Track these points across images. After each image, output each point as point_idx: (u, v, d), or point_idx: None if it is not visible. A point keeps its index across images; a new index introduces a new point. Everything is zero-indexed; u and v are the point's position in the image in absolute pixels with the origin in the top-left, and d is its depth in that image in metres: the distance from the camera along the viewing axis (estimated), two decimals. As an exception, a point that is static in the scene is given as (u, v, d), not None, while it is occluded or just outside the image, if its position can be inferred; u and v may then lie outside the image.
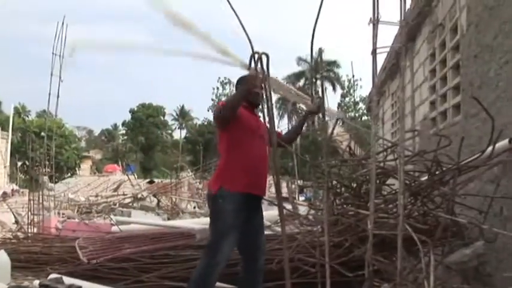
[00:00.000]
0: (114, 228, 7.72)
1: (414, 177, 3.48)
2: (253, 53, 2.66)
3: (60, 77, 8.49)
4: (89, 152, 63.08)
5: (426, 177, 3.48)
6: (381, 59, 10.64)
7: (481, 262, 3.20)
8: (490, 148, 3.43)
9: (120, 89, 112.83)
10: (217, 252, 3.97)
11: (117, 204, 12.16)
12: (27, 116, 46.42)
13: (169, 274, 5.46)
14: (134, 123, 67.73)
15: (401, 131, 2.44)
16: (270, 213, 7.35)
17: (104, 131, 75.05)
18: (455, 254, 3.17)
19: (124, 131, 72.10)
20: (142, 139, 66.19)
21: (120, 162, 51.63)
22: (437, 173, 3.36)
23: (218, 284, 4.69)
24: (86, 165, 51.46)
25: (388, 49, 2.58)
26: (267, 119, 2.76)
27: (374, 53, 2.42)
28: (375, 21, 2.44)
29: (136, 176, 28.91)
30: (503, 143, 3.46)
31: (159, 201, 12.65)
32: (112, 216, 8.59)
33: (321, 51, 49.98)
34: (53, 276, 5.54)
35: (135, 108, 68.39)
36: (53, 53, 8.68)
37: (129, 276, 5.61)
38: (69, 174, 38.93)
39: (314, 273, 3.15)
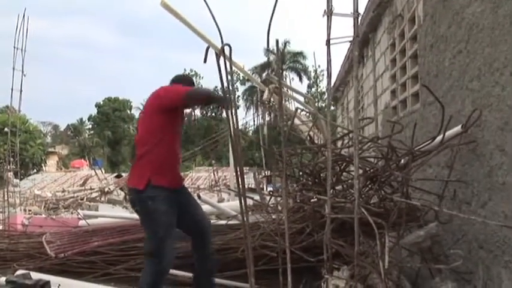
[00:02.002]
0: (82, 223, 7.71)
1: (370, 162, 3.61)
2: (208, 47, 2.71)
3: (22, 72, 8.35)
4: (55, 148, 62.02)
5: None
6: (344, 49, 10.82)
7: (435, 242, 3.35)
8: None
9: (86, 83, 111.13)
10: (163, 258, 3.92)
11: (85, 199, 12.08)
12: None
13: (137, 266, 5.50)
14: (100, 117, 66.81)
15: (355, 118, 2.54)
16: (236, 203, 7.46)
17: (70, 126, 73.86)
18: (410, 235, 3.31)
19: (90, 126, 71.12)
20: (109, 133, 65.36)
21: (87, 157, 50.94)
22: (392, 158, 3.49)
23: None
24: (52, 161, 50.53)
25: (344, 39, 2.67)
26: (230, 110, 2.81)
27: (328, 43, 2.51)
28: (329, 13, 2.53)
29: (103, 171, 28.62)
30: (455, 129, 3.61)
31: (126, 194, 12.61)
32: (79, 211, 8.54)
33: (285, 42, 50.32)
34: (20, 272, 5.51)
35: (101, 103, 67.45)
36: (14, 47, 8.53)
37: (97, 269, 5.63)
38: (35, 171, 38.25)
39: (277, 260, 3.23)
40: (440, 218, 3.51)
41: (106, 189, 12.49)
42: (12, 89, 8.36)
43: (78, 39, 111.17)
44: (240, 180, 2.75)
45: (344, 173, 3.86)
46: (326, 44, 2.53)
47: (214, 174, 20.16)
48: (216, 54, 2.71)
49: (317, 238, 3.50)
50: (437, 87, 4.34)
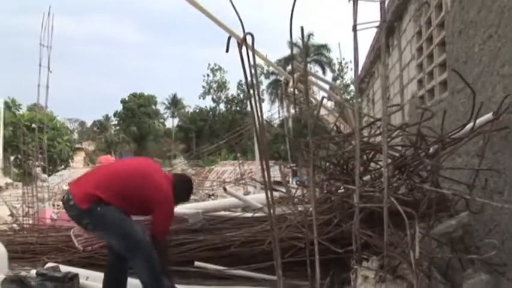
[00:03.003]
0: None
1: (398, 150, 3.53)
2: (229, 36, 2.67)
3: (48, 68, 8.45)
4: (82, 144, 62.82)
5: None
6: (369, 39, 10.67)
7: (466, 232, 3.27)
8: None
9: (110, 80, 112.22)
10: (144, 243, 4.18)
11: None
12: (18, 110, 46.17)
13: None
14: (126, 113, 67.46)
15: (383, 105, 2.48)
16: (262, 195, 7.42)
17: (96, 122, 74.75)
18: (441, 225, 3.23)
19: (116, 122, 71.89)
20: (134, 129, 66.00)
21: (113, 153, 51.52)
22: (421, 146, 3.41)
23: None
24: (79, 157, 51.24)
25: (371, 25, 2.60)
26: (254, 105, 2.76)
27: (354, 29, 2.44)
28: (355, -2, 2.46)
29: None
30: (486, 116, 3.51)
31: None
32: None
33: (309, 35, 50.06)
34: (49, 265, 5.58)
35: (127, 98, 68.07)
36: (40, 44, 8.63)
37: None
38: (62, 166, 38.82)
39: (305, 252, 3.19)
40: (471, 208, 3.43)
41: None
42: (38, 86, 8.46)
43: (102, 36, 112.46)
44: (265, 172, 2.71)
45: (372, 163, 3.79)
46: (352, 30, 2.47)
47: (239, 167, 20.19)
48: (238, 43, 2.66)
49: (345, 229, 3.44)
50: (467, 74, 4.23)
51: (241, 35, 2.66)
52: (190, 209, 6.43)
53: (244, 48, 2.66)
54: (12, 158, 31.37)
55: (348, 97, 44.53)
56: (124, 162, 5.52)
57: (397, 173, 3.44)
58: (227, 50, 2.77)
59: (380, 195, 3.02)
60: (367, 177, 3.78)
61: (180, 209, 6.84)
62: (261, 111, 2.62)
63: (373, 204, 2.93)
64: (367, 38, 9.93)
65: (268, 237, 4.95)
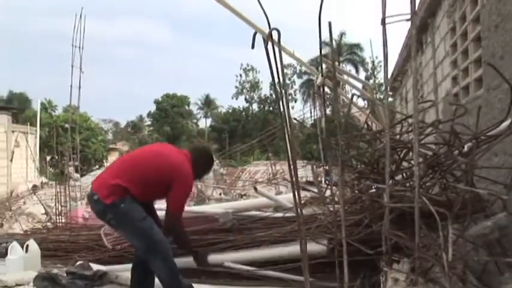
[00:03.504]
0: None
1: (431, 148, 3.41)
2: (255, 32, 2.61)
3: (80, 69, 8.56)
4: (116, 144, 63.63)
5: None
6: (402, 37, 10.46)
7: (503, 234, 3.13)
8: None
9: (143, 81, 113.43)
10: (163, 244, 4.21)
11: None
12: (54, 111, 47.11)
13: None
14: (159, 113, 68.09)
15: (414, 100, 2.38)
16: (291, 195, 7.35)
17: (130, 122, 75.68)
18: (476, 226, 3.10)
19: (150, 122, 72.64)
20: (168, 129, 66.55)
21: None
22: (455, 144, 3.28)
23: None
24: (113, 157, 51.88)
25: (401, 19, 2.50)
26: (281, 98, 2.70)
27: (383, 23, 2.35)
28: (384, -10, 2.37)
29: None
30: (525, 113, 3.36)
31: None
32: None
33: (341, 34, 49.74)
34: (80, 263, 5.63)
35: (160, 99, 68.72)
36: (72, 45, 8.75)
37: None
38: (97, 166, 39.40)
39: (334, 252, 3.11)
40: (509, 209, 3.28)
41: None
42: (71, 87, 8.57)
43: (135, 38, 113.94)
44: (293, 171, 2.64)
45: (404, 162, 3.68)
46: (381, 24, 2.38)
47: (271, 167, 20.09)
48: (264, 39, 2.59)
49: (375, 229, 3.33)
50: (504, 70, 4.07)
51: (267, 31, 2.61)
52: (221, 208, 6.40)
53: (270, 45, 2.60)
54: (48, 158, 31.97)
55: (381, 96, 43.92)
56: (139, 149, 5.58)
57: (430, 172, 3.32)
58: (253, 47, 2.72)
59: (411, 195, 2.91)
60: (398, 177, 3.68)
61: (211, 208, 6.84)
62: (288, 108, 2.55)
63: (404, 204, 2.83)
64: (399, 36, 9.71)
65: (297, 237, 4.88)
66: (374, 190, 3.76)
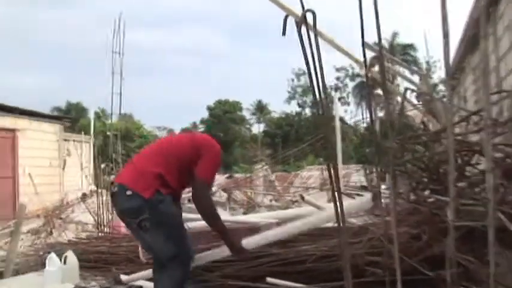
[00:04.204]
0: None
1: (507, 151, 2.85)
2: (286, 16, 2.18)
3: (121, 75, 8.37)
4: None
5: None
6: (458, 32, 9.76)
7: None
8: None
9: (197, 87, 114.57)
10: (187, 257, 3.90)
11: (186, 201, 11.96)
12: (108, 120, 48.05)
13: (235, 273, 5.10)
14: (212, 120, 68.64)
15: (485, 91, 1.88)
16: (345, 203, 6.83)
17: (184, 129, 76.52)
18: None
19: (203, 129, 73.32)
20: (221, 135, 66.94)
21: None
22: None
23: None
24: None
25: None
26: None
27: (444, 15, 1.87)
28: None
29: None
30: None
31: (229, 195, 12.34)
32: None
33: (394, 34, 48.60)
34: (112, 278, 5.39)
35: (212, 105, 69.33)
36: (112, 52, 8.57)
37: (192, 275, 5.30)
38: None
39: (388, 271, 2.64)
40: None
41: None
42: (112, 93, 8.40)
43: (187, 45, 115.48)
44: (334, 178, 2.20)
45: (469, 167, 3.13)
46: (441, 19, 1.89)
47: (323, 172, 19.51)
48: (296, 23, 2.16)
49: (436, 249, 2.81)
50: None
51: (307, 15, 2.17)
52: (265, 218, 5.99)
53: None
54: (102, 165, 32.43)
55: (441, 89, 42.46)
56: (162, 139, 5.12)
57: (505, 179, 2.77)
58: (284, 33, 2.29)
59: (482, 209, 2.39)
60: (462, 184, 3.14)
61: (253, 218, 6.44)
62: (325, 100, 2.10)
63: (474, 223, 2.31)
64: (455, 31, 9.02)
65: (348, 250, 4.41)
66: (433, 199, 3.25)
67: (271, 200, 13.88)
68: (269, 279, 4.77)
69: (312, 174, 24.87)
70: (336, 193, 2.14)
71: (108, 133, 11.87)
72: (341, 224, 2.17)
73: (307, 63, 2.14)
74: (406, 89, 3.36)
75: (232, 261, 5.17)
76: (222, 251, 4.19)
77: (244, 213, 11.77)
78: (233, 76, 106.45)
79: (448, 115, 2.04)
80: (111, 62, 8.37)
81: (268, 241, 4.37)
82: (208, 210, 3.90)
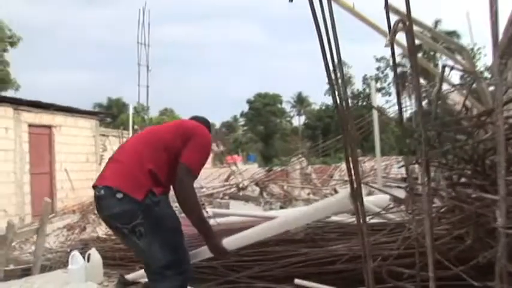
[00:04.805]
0: (212, 222, 7.18)
1: None
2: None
3: (147, 67, 8.10)
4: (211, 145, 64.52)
5: None
6: (506, 13, 9.07)
7: None
8: None
9: (237, 81, 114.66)
10: (186, 266, 3.46)
11: (221, 195, 11.74)
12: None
13: (261, 273, 4.75)
14: (252, 113, 68.59)
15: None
16: (381, 197, 6.39)
17: (225, 123, 76.83)
18: None
19: (243, 122, 73.40)
20: (261, 128, 66.82)
21: (240, 153, 52.23)
22: None
23: None
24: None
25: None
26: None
27: None
28: None
29: (257, 165, 28.74)
30: None
31: (262, 190, 11.99)
32: (208, 209, 8.03)
33: (436, 21, 47.26)
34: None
35: (252, 99, 69.29)
36: (138, 43, 8.29)
37: (218, 276, 4.99)
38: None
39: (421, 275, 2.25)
40: None
41: (241, 185, 11.98)
42: (138, 85, 8.15)
43: (228, 40, 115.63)
44: (353, 172, 1.82)
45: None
46: None
47: (361, 165, 18.99)
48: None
49: (482, 258, 2.38)
50: None
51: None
52: (295, 213, 5.62)
53: None
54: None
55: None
56: (147, 129, 4.29)
57: None
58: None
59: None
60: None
61: (282, 213, 6.06)
62: (343, 80, 1.72)
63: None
64: (504, 14, 8.37)
65: (383, 250, 4.01)
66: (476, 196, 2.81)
67: (308, 194, 13.51)
68: (297, 281, 4.40)
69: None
70: (354, 188, 1.75)
71: (135, 127, 11.64)
72: (361, 222, 1.79)
73: (318, 30, 1.75)
74: (444, 66, 2.87)
75: (259, 260, 4.85)
76: (203, 252, 3.70)
77: (281, 207, 11.47)
78: (273, 69, 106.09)
79: (498, 93, 1.61)
80: (138, 54, 8.10)
81: (251, 240, 3.90)
82: (189, 201, 3.40)
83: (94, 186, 3.39)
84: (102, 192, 3.29)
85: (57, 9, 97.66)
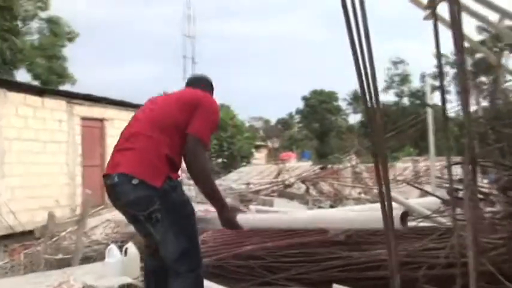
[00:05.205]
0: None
1: None
2: None
3: (193, 59, 7.93)
4: (267, 142, 64.61)
5: None
6: None
7: None
8: None
9: (292, 78, 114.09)
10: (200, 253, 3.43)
11: (269, 191, 11.51)
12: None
13: (299, 276, 4.49)
14: (308, 110, 68.10)
15: None
16: (432, 199, 5.97)
17: (280, 120, 76.64)
18: None
19: (299, 119, 72.97)
20: (316, 125, 66.25)
21: (295, 150, 51.92)
22: None
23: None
24: (261, 154, 52.55)
25: None
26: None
27: None
28: None
29: (311, 163, 28.43)
30: None
31: (308, 188, 11.64)
32: (251, 206, 7.80)
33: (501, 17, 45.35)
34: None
35: (308, 95, 68.80)
36: (183, 35, 8.12)
37: (255, 276, 4.76)
38: (244, 164, 39.88)
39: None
40: None
41: (287, 182, 11.69)
42: (184, 79, 7.99)
43: (283, 36, 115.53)
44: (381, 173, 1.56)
45: None
46: None
47: (415, 165, 18.41)
48: None
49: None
50: None
51: None
52: (337, 213, 5.31)
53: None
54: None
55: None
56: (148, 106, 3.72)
57: None
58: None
59: None
60: None
61: (323, 213, 5.76)
62: (371, 57, 1.45)
63: None
64: None
65: (432, 258, 3.69)
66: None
67: (359, 193, 13.10)
68: (335, 286, 4.11)
69: (408, 166, 23.59)
70: (383, 192, 1.49)
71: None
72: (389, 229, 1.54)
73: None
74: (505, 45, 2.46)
75: (298, 262, 4.58)
76: (214, 222, 3.55)
77: (331, 206, 11.15)
78: (329, 66, 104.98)
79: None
80: (183, 45, 7.93)
81: (268, 225, 3.84)
82: (202, 172, 3.27)
83: (105, 175, 3.28)
84: (116, 179, 3.17)
85: (114, 6, 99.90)
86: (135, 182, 3.09)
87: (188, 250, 3.22)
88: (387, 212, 1.58)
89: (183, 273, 3.20)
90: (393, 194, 5.74)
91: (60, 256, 8.40)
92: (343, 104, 71.64)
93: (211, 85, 3.78)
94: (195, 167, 3.22)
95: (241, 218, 3.41)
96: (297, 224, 3.71)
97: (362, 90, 1.62)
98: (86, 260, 7.16)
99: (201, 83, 3.69)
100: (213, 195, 3.34)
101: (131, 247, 5.73)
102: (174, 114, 3.31)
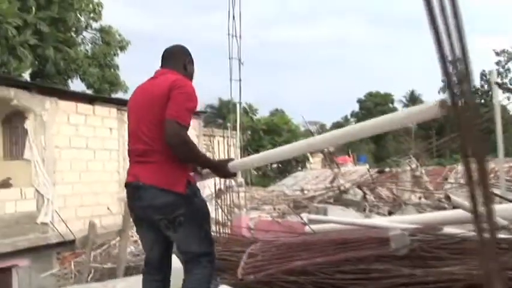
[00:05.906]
0: (307, 229, 6.45)
1: None
2: None
3: (240, 60, 7.51)
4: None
5: None
6: None
7: None
8: None
9: (347, 81, 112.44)
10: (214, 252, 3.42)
11: (325, 197, 10.96)
12: (255, 115, 48.58)
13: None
14: (363, 113, 67.05)
15: None
16: (506, 206, 5.30)
17: (335, 123, 75.87)
18: None
19: (354, 122, 71.93)
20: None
21: (351, 154, 51.00)
22: None
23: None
24: (317, 159, 51.97)
25: None
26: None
27: None
28: None
29: (368, 167, 27.59)
30: None
31: (365, 194, 10.95)
32: (303, 214, 7.30)
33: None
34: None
35: (363, 98, 67.80)
36: (228, 34, 7.71)
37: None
38: (299, 168, 39.30)
39: None
40: None
41: (342, 188, 11.05)
42: (230, 80, 7.59)
43: (336, 38, 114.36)
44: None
45: None
46: None
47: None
48: None
49: None
50: None
51: None
52: (397, 223, 4.74)
53: None
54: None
55: None
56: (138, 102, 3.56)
57: None
58: None
59: None
60: None
61: (381, 222, 5.20)
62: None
63: None
64: None
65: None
66: None
67: (420, 198, 12.34)
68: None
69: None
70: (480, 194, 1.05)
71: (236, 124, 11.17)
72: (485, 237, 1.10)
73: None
74: None
75: (353, 280, 4.04)
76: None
77: (390, 213, 10.53)
78: (384, 67, 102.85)
79: None
80: (229, 46, 7.53)
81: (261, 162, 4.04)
82: (190, 152, 3.22)
83: (128, 183, 3.30)
84: (141, 184, 3.20)
85: (165, 16, 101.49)
86: (160, 188, 3.14)
87: (209, 251, 3.31)
88: (488, 223, 1.13)
89: (204, 262, 3.26)
90: (459, 199, 5.08)
91: (109, 265, 8.24)
92: (399, 106, 70.21)
93: (184, 57, 3.58)
94: (181, 149, 3.14)
95: (231, 165, 3.52)
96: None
97: (449, 84, 1.22)
98: (135, 269, 6.94)
99: (171, 61, 3.53)
100: (204, 165, 3.54)
101: (174, 259, 5.38)
102: (160, 115, 3.18)
